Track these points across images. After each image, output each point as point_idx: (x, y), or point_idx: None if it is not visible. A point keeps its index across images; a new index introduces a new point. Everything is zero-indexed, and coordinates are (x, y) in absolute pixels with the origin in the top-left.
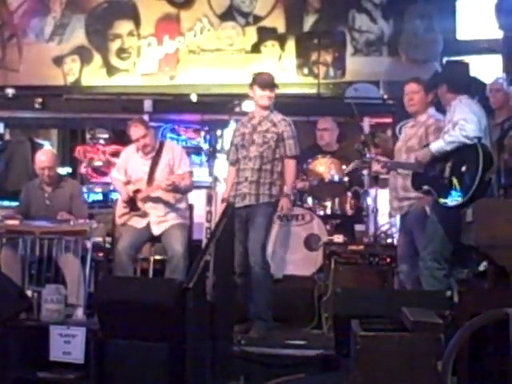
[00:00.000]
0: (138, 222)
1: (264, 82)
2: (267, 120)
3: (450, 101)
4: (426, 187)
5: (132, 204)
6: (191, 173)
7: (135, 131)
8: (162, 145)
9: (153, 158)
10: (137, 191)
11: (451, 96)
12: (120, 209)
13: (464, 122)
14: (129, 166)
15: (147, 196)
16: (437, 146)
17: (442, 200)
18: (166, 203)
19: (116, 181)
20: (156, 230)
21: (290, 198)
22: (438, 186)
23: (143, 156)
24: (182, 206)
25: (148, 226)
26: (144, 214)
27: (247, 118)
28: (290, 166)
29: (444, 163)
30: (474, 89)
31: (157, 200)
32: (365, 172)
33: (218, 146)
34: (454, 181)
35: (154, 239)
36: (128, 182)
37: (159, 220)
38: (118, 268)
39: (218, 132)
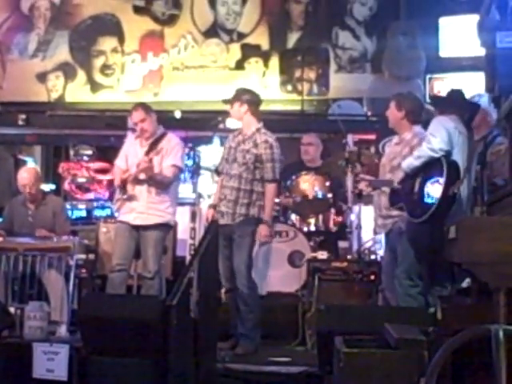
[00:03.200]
0: (126, 216)
1: (258, 105)
2: (251, 139)
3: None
4: (399, 204)
5: (125, 190)
6: (176, 167)
7: (135, 115)
8: (163, 135)
9: (150, 145)
10: (129, 175)
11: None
12: (117, 195)
13: (430, 136)
14: (129, 154)
15: (135, 179)
16: (407, 162)
17: (410, 215)
18: (150, 193)
19: (116, 167)
20: (134, 220)
21: (268, 225)
22: (409, 202)
23: (142, 143)
24: (166, 202)
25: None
26: (131, 198)
27: (237, 132)
28: (269, 190)
29: (414, 178)
30: (462, 109)
31: (143, 185)
32: (348, 189)
33: (202, 163)
34: (422, 195)
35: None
36: (127, 170)
37: (140, 210)
38: (110, 288)
39: (202, 148)
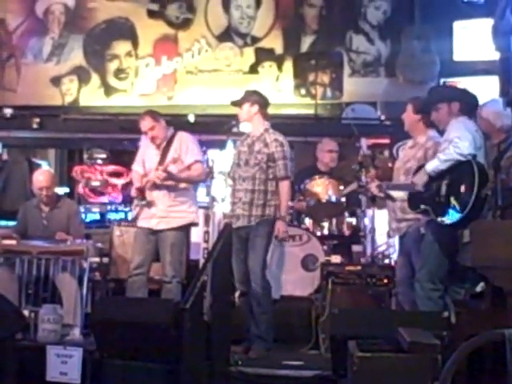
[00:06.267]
0: (147, 222)
1: (267, 107)
2: (260, 140)
3: (451, 120)
4: (422, 207)
5: (144, 196)
6: (198, 162)
7: (143, 124)
8: (174, 135)
9: (163, 148)
10: (148, 182)
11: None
12: (135, 201)
13: (458, 140)
14: (145, 158)
15: (153, 185)
16: (432, 165)
17: (439, 218)
18: (170, 196)
19: (134, 173)
20: (156, 225)
21: (284, 221)
22: (435, 205)
23: (156, 147)
24: (187, 202)
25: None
26: (150, 204)
27: (245, 136)
28: (283, 187)
29: (440, 181)
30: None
31: (162, 189)
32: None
33: (216, 167)
34: (451, 198)
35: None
36: (146, 175)
37: (161, 215)
38: (129, 293)
39: (216, 152)
